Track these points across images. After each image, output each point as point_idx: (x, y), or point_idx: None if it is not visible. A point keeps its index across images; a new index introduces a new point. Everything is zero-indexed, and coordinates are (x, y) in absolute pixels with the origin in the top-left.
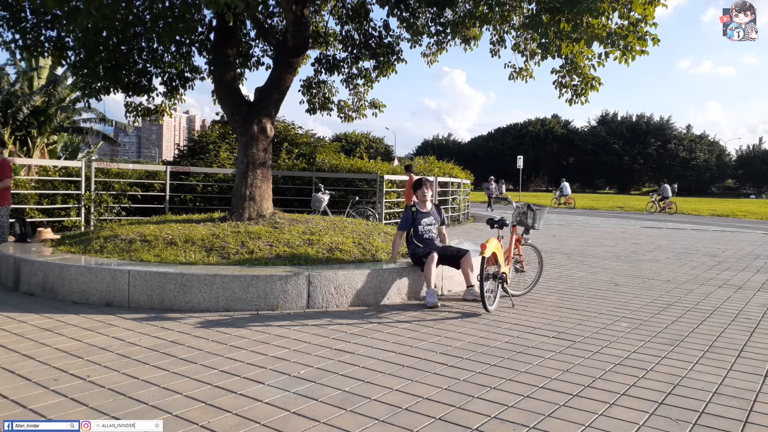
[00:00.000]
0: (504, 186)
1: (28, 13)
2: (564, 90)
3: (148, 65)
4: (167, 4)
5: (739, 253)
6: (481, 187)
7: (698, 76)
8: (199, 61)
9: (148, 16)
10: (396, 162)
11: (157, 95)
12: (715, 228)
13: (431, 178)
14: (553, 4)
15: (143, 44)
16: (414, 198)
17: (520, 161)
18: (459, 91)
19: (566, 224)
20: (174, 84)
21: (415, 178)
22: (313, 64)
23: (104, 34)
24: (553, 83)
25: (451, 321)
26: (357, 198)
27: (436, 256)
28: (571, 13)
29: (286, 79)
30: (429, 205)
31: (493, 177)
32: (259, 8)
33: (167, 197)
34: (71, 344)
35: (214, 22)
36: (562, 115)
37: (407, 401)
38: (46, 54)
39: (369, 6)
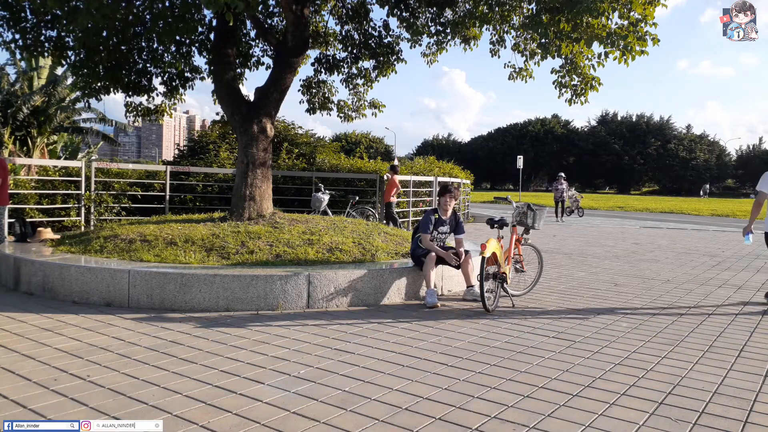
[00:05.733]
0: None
1: (28, 13)
2: (564, 90)
3: (148, 65)
4: (167, 4)
5: (739, 253)
6: (550, 187)
7: (697, 76)
8: (199, 61)
9: (148, 16)
10: (396, 162)
11: (157, 95)
12: (715, 228)
13: (447, 179)
14: (553, 4)
15: (143, 44)
16: (393, 197)
17: (520, 161)
18: (459, 91)
19: (566, 224)
20: (174, 84)
21: (395, 179)
22: (313, 64)
23: (104, 34)
24: (553, 83)
25: (451, 321)
26: (357, 198)
27: (435, 255)
28: (571, 13)
29: (286, 79)
30: (449, 213)
31: (563, 174)
32: (259, 8)
33: (167, 197)
34: (71, 344)
35: (214, 22)
36: (562, 115)
37: (407, 401)
38: (46, 54)
39: (369, 6)
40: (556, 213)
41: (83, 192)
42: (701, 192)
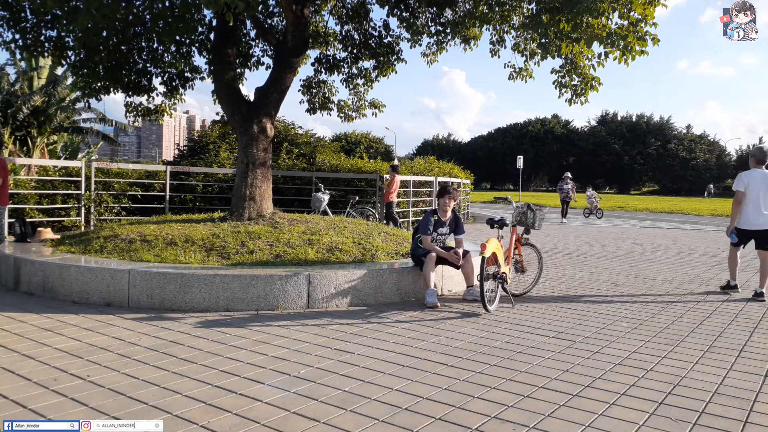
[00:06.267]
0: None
1: (28, 13)
2: (564, 90)
3: (148, 65)
4: (167, 4)
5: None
6: (551, 188)
7: (697, 76)
8: (199, 61)
9: (148, 16)
10: (396, 161)
11: (157, 95)
12: (715, 228)
13: (447, 179)
14: (553, 4)
15: (143, 44)
16: (392, 196)
17: (520, 161)
18: (459, 90)
19: (566, 224)
20: (174, 84)
21: (396, 179)
22: (313, 64)
23: (104, 34)
24: (553, 83)
25: (451, 321)
26: (357, 198)
27: (435, 255)
28: (571, 13)
29: (286, 79)
30: (449, 214)
31: (569, 174)
32: (259, 8)
33: (167, 197)
34: (71, 344)
35: (214, 22)
36: (562, 115)
37: (407, 401)
38: (46, 54)
39: (369, 6)
40: (564, 213)
41: (83, 192)
42: (705, 193)
